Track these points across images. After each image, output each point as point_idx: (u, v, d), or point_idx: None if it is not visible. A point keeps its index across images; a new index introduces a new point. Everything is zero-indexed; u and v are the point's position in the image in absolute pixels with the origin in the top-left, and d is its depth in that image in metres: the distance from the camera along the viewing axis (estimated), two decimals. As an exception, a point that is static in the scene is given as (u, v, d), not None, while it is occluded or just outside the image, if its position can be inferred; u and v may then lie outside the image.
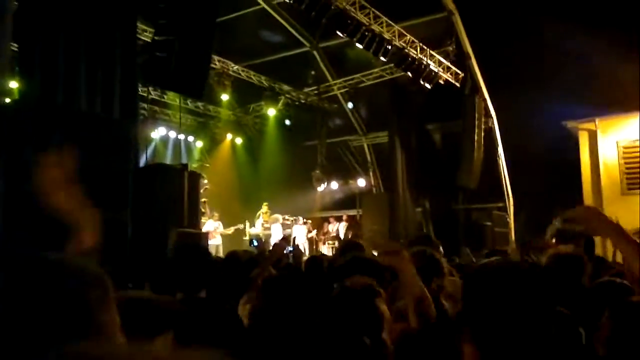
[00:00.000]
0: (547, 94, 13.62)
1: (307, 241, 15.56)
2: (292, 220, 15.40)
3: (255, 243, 6.04)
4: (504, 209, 16.30)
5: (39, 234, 5.27)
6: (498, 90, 15.50)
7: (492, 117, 16.26)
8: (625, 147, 14.19)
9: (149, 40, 10.63)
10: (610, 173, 14.29)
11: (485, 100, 15.84)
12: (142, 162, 10.23)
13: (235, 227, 14.46)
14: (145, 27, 11.63)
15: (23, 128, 5.44)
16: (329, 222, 17.20)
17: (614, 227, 2.05)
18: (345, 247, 3.90)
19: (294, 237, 14.00)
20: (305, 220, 15.98)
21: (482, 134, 15.67)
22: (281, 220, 15.02)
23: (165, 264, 2.92)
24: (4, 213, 5.30)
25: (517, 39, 13.75)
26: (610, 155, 14.43)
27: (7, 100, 7.29)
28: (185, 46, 7.99)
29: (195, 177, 7.70)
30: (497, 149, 16.36)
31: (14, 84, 9.73)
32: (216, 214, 14.08)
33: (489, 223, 14.82)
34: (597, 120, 14.38)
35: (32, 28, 6.80)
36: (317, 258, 4.58)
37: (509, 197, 16.40)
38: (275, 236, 14.17)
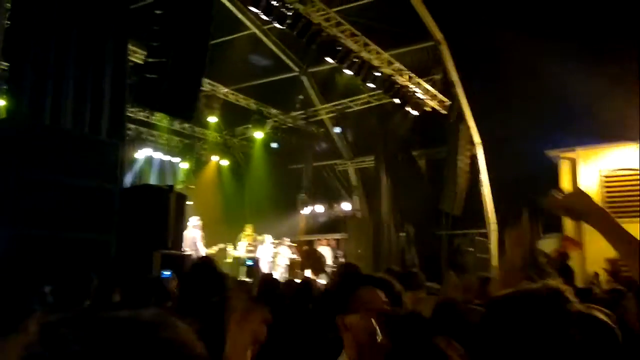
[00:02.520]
0: (531, 123, 13.84)
1: (288, 264, 15.45)
2: (277, 243, 15.35)
3: (251, 263, 6.02)
4: (486, 235, 16.42)
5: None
6: (483, 118, 15.73)
7: (476, 145, 16.48)
8: (606, 177, 14.42)
9: (139, 61, 10.70)
10: (591, 201, 14.47)
11: (470, 128, 16.07)
12: (128, 182, 10.18)
13: (218, 246, 14.34)
14: (135, 49, 11.70)
15: (10, 147, 5.42)
16: (313, 246, 17.15)
17: (606, 217, 1.91)
18: (343, 270, 3.94)
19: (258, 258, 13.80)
20: (291, 242, 15.95)
21: (467, 160, 15.87)
22: (270, 241, 14.95)
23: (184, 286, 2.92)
24: None
25: (503, 68, 14.01)
26: (591, 184, 14.63)
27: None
28: (177, 68, 8.04)
29: (181, 199, 7.70)
30: (480, 175, 16.54)
31: (1, 102, 9.73)
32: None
33: (471, 249, 14.91)
34: (577, 149, 14.64)
35: (21, 47, 6.82)
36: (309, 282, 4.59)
37: (489, 224, 16.53)
38: (264, 257, 14.11)
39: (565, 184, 14.79)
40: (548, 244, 8.96)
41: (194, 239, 12.30)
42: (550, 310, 1.35)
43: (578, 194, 2.07)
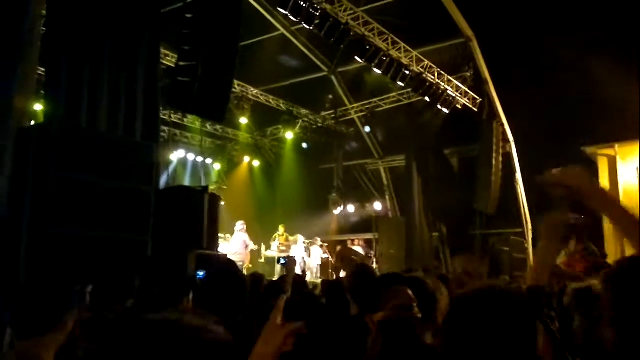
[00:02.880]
0: (566, 119, 13.56)
1: (320, 264, 15.49)
2: (309, 242, 15.39)
3: (283, 262, 6.06)
4: (522, 235, 16.13)
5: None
6: (516, 115, 15.47)
7: (510, 142, 16.21)
8: (646, 174, 14.02)
9: (171, 64, 10.85)
10: (630, 199, 14.08)
11: (503, 125, 15.82)
12: (163, 183, 10.33)
13: (250, 248, 14.48)
14: (167, 52, 11.88)
15: (47, 150, 5.54)
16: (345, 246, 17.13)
17: (606, 196, 1.82)
18: (357, 270, 3.90)
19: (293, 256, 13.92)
20: (322, 242, 15.96)
21: (500, 158, 15.62)
22: (302, 241, 15.04)
23: (202, 287, 2.94)
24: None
25: (535, 64, 13.77)
26: (629, 180, 14.24)
27: (32, 122, 7.45)
28: (208, 71, 8.12)
29: (214, 199, 7.75)
30: (515, 174, 16.26)
31: (39, 107, 9.96)
32: (229, 236, 14.13)
33: (506, 248, 14.65)
34: (616, 145, 14.26)
35: (57, 52, 6.97)
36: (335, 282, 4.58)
37: (527, 223, 16.23)
38: (297, 257, 14.18)
39: (604, 181, 14.43)
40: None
41: (244, 242, 13.50)
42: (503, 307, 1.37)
43: (576, 170, 1.99)
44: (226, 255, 9.55)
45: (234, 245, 13.46)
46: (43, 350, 2.02)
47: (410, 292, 2.46)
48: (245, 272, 8.89)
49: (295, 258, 12.82)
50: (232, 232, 14.35)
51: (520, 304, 1.41)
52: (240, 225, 13.75)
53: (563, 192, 1.93)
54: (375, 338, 2.16)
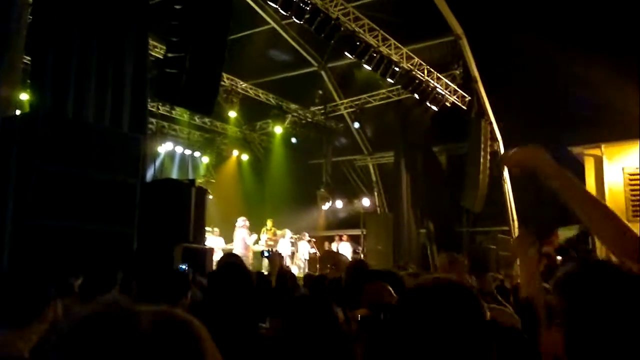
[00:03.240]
0: (554, 119, 13.65)
1: (308, 258, 15.50)
2: (296, 237, 15.39)
3: (267, 254, 6.05)
4: (509, 233, 16.24)
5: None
6: (504, 113, 15.55)
7: (497, 141, 16.29)
8: (630, 174, 14.13)
9: (160, 56, 10.77)
10: (616, 199, 14.20)
11: (491, 123, 15.89)
12: (149, 176, 10.27)
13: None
14: (155, 44, 11.78)
15: (32, 140, 5.49)
16: (332, 242, 17.16)
17: (565, 175, 1.83)
18: (353, 267, 3.91)
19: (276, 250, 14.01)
20: (310, 237, 15.95)
21: (488, 157, 15.69)
22: (290, 236, 15.04)
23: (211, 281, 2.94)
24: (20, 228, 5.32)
25: (524, 63, 13.83)
26: (615, 181, 14.36)
27: (18, 112, 7.37)
28: (197, 63, 8.07)
29: (202, 193, 7.72)
30: (502, 172, 16.35)
31: (25, 96, 9.85)
32: (217, 230, 14.10)
33: (493, 246, 14.74)
34: (603, 146, 14.36)
35: (44, 42, 6.90)
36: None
37: (513, 221, 16.34)
38: (284, 252, 14.18)
39: (591, 181, 14.54)
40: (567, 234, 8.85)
41: (243, 239, 13.61)
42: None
43: (534, 150, 1.96)
44: (231, 250, 9.50)
45: (235, 242, 13.64)
46: (21, 341, 2.00)
47: (390, 289, 2.46)
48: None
49: (281, 252, 12.96)
50: (219, 226, 14.33)
51: (468, 298, 1.36)
52: (241, 221, 13.89)
53: (522, 172, 1.91)
54: (358, 335, 2.16)
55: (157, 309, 0.84)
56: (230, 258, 4.31)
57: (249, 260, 13.18)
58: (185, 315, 0.85)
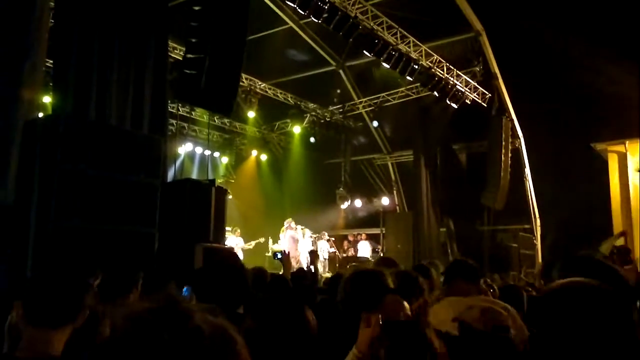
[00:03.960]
0: (576, 115, 13.45)
1: (327, 258, 15.53)
2: (316, 237, 15.43)
3: (279, 256, 6.08)
4: (531, 231, 16.06)
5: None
6: (525, 110, 15.37)
7: (519, 138, 16.12)
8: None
9: (179, 57, 10.85)
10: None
11: (512, 120, 15.72)
12: (170, 177, 10.35)
13: (257, 241, 14.58)
14: (175, 45, 11.87)
15: (55, 142, 5.55)
16: (349, 241, 17.16)
17: None
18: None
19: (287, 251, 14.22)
20: (329, 237, 15.98)
21: (509, 154, 15.53)
22: (309, 235, 15.17)
23: (203, 278, 2.93)
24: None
25: (545, 59, 13.65)
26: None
27: (40, 114, 7.47)
28: (216, 64, 8.10)
29: (221, 193, 7.75)
30: (524, 169, 16.17)
31: (47, 99, 9.99)
32: (238, 230, 14.21)
33: (514, 244, 14.59)
34: (627, 142, 14.13)
35: (66, 45, 6.98)
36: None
37: (535, 219, 16.16)
38: (304, 251, 14.35)
39: (615, 177, 14.32)
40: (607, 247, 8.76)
41: (292, 238, 14.27)
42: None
43: None
44: (233, 248, 9.56)
45: (283, 243, 14.13)
46: (58, 341, 2.05)
47: (406, 304, 2.45)
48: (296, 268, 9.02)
49: (288, 251, 13.15)
50: (238, 226, 14.44)
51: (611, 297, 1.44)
52: (286, 223, 14.47)
53: None
54: (380, 338, 2.14)
55: (206, 312, 0.90)
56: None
57: (297, 260, 13.46)
58: (228, 325, 0.91)
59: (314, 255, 6.78)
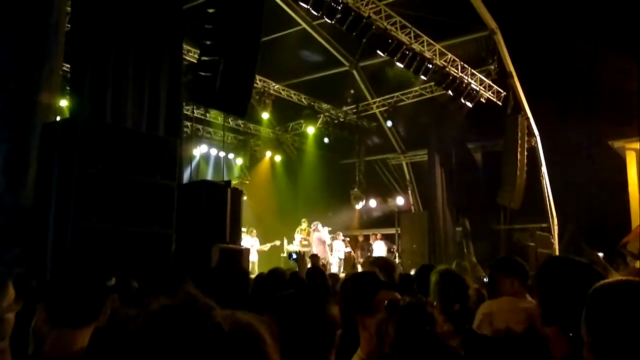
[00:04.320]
0: (592, 112, 13.31)
1: (343, 258, 15.53)
2: (331, 237, 15.44)
3: (294, 256, 6.09)
4: (548, 230, 15.91)
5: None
6: (541, 108, 15.23)
7: (535, 136, 15.98)
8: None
9: (194, 60, 10.92)
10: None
11: (528, 119, 15.59)
12: (186, 178, 10.42)
13: (272, 243, 14.61)
14: (189, 48, 11.94)
15: (73, 145, 5.62)
16: (367, 240, 17.14)
17: None
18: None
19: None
20: (344, 237, 15.97)
21: (525, 153, 15.40)
22: (327, 229, 15.31)
23: (208, 279, 2.95)
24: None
25: (560, 57, 13.53)
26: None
27: (58, 118, 7.56)
28: (230, 66, 8.15)
29: (237, 194, 7.79)
30: (540, 168, 16.03)
31: (64, 103, 10.11)
32: (254, 231, 14.25)
33: (532, 244, 14.46)
34: (645, 139, 13.95)
35: (83, 48, 7.06)
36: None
37: (552, 217, 16.01)
38: (322, 242, 14.54)
39: (633, 174, 14.14)
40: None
41: (319, 239, 14.52)
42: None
43: None
44: (249, 249, 9.59)
45: (313, 246, 14.32)
46: (80, 340, 2.08)
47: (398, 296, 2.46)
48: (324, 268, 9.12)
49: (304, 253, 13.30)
50: (252, 226, 14.49)
51: None
52: (313, 225, 14.72)
53: None
54: (387, 323, 2.15)
55: (229, 311, 0.89)
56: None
57: (327, 260, 13.61)
58: (253, 320, 0.91)
59: (315, 257, 6.79)
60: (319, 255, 9.86)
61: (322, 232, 14.79)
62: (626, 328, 1.38)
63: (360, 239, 17.42)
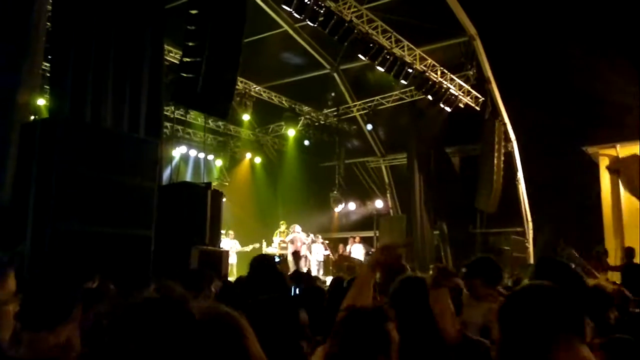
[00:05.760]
0: (568, 119, 13.56)
1: (322, 261, 15.58)
2: (311, 239, 15.47)
3: (277, 259, 6.12)
4: (523, 234, 16.16)
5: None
6: (518, 114, 15.48)
7: (512, 142, 16.22)
8: (647, 174, 14.02)
9: (175, 61, 10.88)
10: (631, 198, 14.13)
11: (505, 124, 15.83)
12: (165, 179, 10.37)
13: (252, 245, 14.59)
14: (171, 48, 11.89)
15: (52, 145, 5.57)
16: (346, 244, 17.18)
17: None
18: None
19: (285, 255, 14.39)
20: (323, 239, 16.01)
21: (502, 158, 15.63)
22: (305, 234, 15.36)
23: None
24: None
25: (538, 63, 13.77)
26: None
27: (36, 117, 7.49)
28: (212, 67, 8.15)
29: (217, 196, 7.79)
30: (516, 173, 16.28)
31: (43, 102, 10.00)
32: (231, 233, 14.22)
33: (507, 247, 14.68)
34: (618, 146, 14.27)
35: (63, 48, 7.01)
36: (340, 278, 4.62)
37: (527, 222, 16.26)
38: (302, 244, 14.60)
39: (606, 181, 14.45)
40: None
41: (302, 243, 14.60)
42: None
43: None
44: (228, 251, 9.58)
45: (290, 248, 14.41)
46: (52, 342, 2.07)
47: None
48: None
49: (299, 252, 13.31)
50: (231, 228, 14.46)
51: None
52: (292, 228, 14.98)
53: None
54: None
55: (208, 303, 0.90)
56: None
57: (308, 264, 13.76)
58: (231, 311, 0.91)
59: (296, 255, 6.84)
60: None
61: (301, 234, 14.83)
62: (528, 330, 1.55)
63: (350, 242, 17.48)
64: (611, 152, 14.51)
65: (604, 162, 14.70)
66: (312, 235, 15.39)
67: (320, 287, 4.85)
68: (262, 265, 3.24)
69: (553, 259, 3.03)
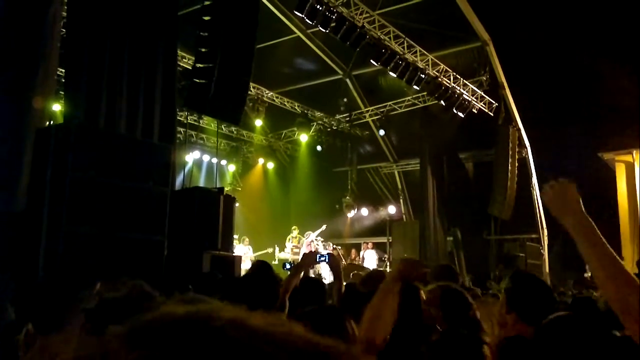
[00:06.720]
0: (583, 125, 13.44)
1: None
2: (323, 245, 15.44)
3: (288, 266, 6.10)
4: (538, 240, 16.00)
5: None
6: (532, 120, 15.36)
7: (526, 147, 16.10)
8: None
9: (188, 67, 10.94)
10: (648, 205, 13.95)
11: (519, 130, 15.71)
12: (178, 184, 10.40)
13: (264, 251, 14.59)
14: (184, 54, 11.96)
15: (66, 150, 5.61)
16: (359, 249, 17.11)
17: (584, 223, 1.71)
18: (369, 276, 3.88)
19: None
20: (335, 245, 15.95)
21: (516, 164, 15.51)
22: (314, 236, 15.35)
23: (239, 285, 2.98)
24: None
25: (552, 69, 13.67)
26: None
27: (51, 122, 7.55)
28: (225, 73, 8.18)
29: (229, 201, 7.79)
30: (531, 179, 16.14)
31: (58, 107, 10.09)
32: (246, 239, 14.23)
33: (522, 254, 14.55)
34: (634, 152, 14.10)
35: (78, 54, 7.07)
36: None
37: (542, 229, 16.10)
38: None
39: (622, 187, 14.28)
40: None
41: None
42: None
43: (561, 187, 1.83)
44: (241, 257, 9.59)
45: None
46: (63, 345, 2.07)
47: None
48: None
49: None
50: (245, 234, 14.48)
51: None
52: (306, 235, 15.02)
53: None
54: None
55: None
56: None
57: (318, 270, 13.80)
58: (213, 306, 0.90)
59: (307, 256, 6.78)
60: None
61: (314, 240, 14.80)
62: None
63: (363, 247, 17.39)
64: (628, 158, 14.34)
65: (620, 168, 14.54)
66: (321, 244, 15.35)
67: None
68: (263, 268, 3.26)
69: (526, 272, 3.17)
